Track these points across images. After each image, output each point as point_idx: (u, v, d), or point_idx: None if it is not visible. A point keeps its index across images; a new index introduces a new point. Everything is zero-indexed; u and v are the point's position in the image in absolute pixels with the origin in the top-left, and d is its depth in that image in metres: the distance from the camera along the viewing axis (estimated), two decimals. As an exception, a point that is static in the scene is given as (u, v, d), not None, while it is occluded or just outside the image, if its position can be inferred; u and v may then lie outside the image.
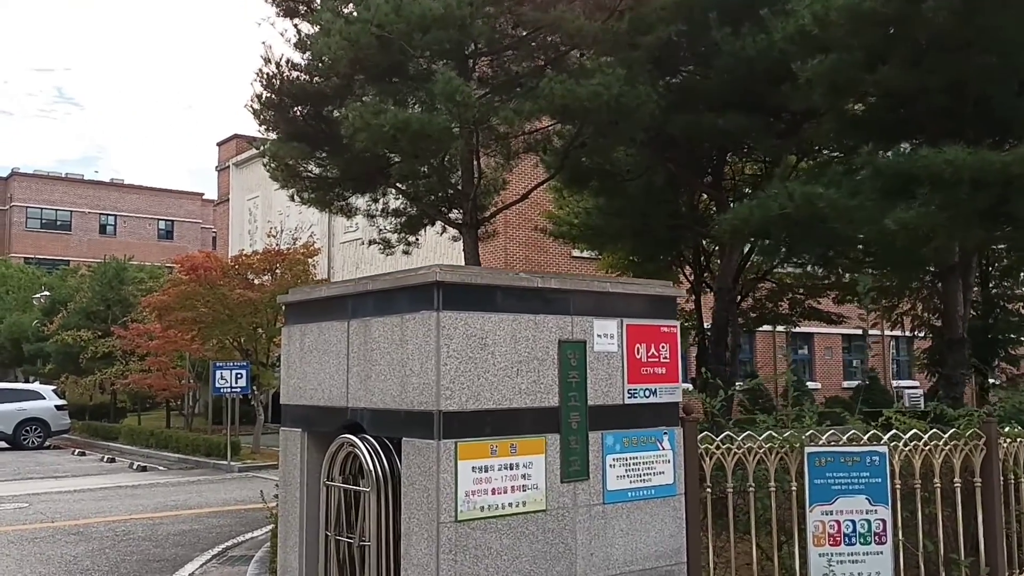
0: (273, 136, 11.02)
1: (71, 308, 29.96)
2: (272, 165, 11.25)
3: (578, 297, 5.27)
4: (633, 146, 10.01)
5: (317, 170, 11.34)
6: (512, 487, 4.87)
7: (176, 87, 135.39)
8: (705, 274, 14.52)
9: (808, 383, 30.46)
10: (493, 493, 4.80)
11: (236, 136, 40.36)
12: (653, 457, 5.48)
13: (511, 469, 4.87)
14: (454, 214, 11.60)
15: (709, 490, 5.82)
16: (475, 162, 10.89)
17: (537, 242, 21.60)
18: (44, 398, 25.48)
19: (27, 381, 37.52)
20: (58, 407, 25.56)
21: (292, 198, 12.15)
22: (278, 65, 10.54)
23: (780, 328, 19.73)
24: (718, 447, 5.83)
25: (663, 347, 5.61)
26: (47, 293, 35.17)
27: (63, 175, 67.97)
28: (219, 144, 41.73)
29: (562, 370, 5.14)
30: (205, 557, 9.25)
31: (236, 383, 18.45)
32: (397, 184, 11.40)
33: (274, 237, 21.04)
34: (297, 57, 10.62)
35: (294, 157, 10.57)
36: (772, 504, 5.84)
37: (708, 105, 9.56)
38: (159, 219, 70.56)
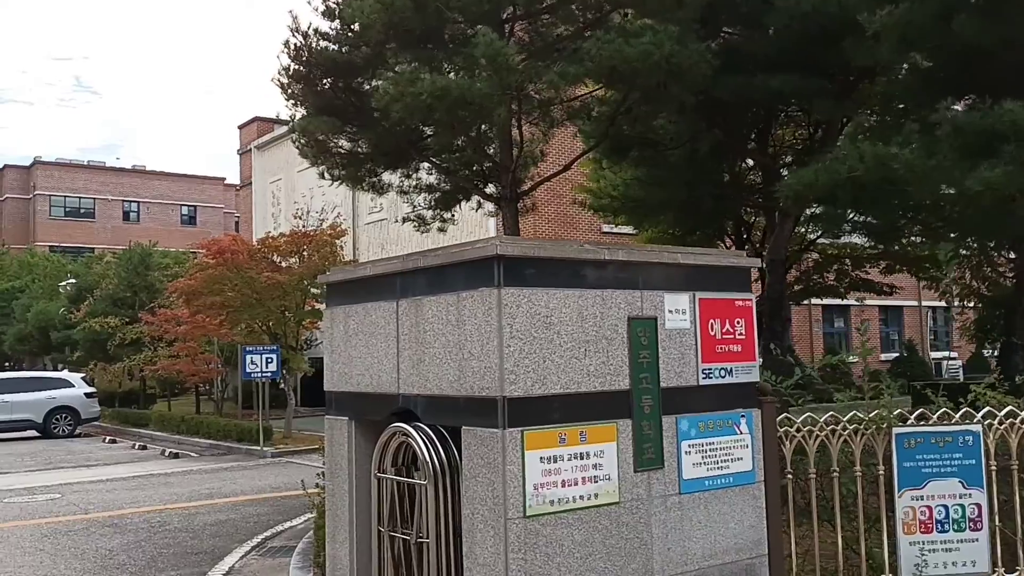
0: (301, 111, 10.61)
1: (97, 295, 29.86)
2: (301, 141, 10.84)
3: (647, 270, 4.83)
4: (682, 112, 9.50)
5: (347, 145, 10.91)
6: (583, 478, 4.46)
7: (195, 72, 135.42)
8: (746, 246, 14.02)
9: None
10: (563, 485, 4.39)
11: (257, 119, 40.07)
12: (730, 442, 5.05)
13: (581, 459, 4.46)
14: (490, 188, 11.14)
15: (790, 476, 5.39)
16: (516, 131, 10.42)
17: (566, 217, 21.13)
18: (73, 386, 25.40)
19: (55, 369, 37.64)
20: (87, 395, 25.48)
21: (322, 175, 11.73)
22: (305, 35, 10.10)
23: (852, 300, 18.96)
24: (798, 429, 5.39)
25: (738, 323, 5.16)
26: (73, 281, 35.14)
27: (85, 163, 68.12)
28: (240, 127, 41.45)
29: (632, 350, 4.71)
30: (244, 549, 8.95)
31: (266, 368, 18.18)
32: (431, 158, 10.96)
33: (300, 219, 20.68)
34: (326, 26, 10.19)
35: (324, 132, 10.14)
36: (859, 490, 5.40)
37: (758, 66, 9.04)
38: (182, 204, 70.72)
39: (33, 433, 24.66)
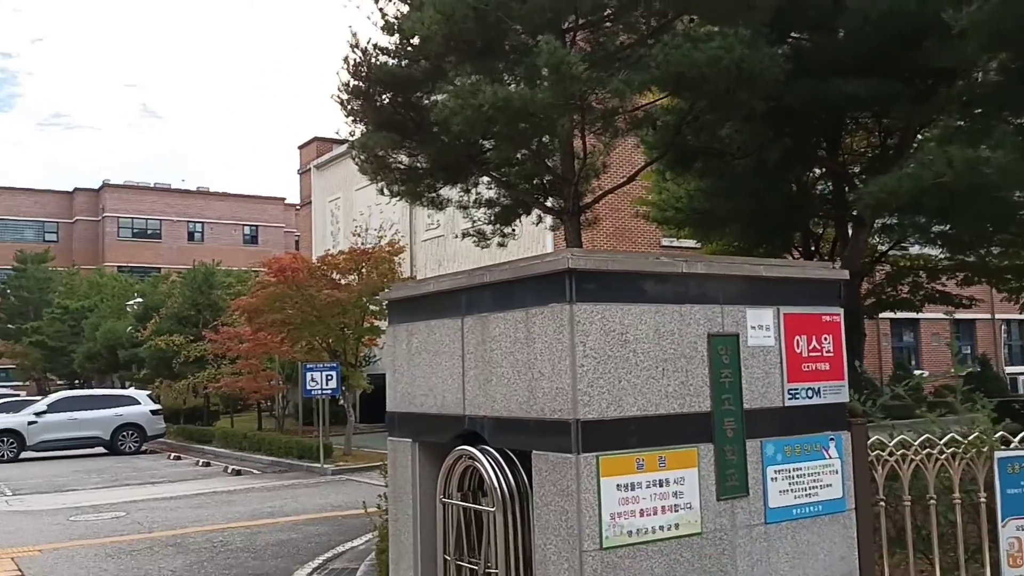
0: (360, 128, 10.53)
1: (163, 313, 30.39)
2: (361, 157, 10.76)
3: (728, 283, 4.54)
4: (749, 120, 9.16)
5: (407, 160, 10.80)
6: (663, 507, 4.17)
7: (256, 95, 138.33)
8: (814, 259, 13.54)
9: (916, 371, 28.88)
10: (641, 515, 4.11)
11: (316, 139, 40.58)
12: (819, 467, 4.72)
13: (660, 486, 4.17)
14: (550, 202, 10.91)
15: (882, 503, 5.02)
16: (581, 142, 10.18)
17: (625, 231, 20.80)
18: (140, 403, 25.81)
19: (123, 386, 38.40)
20: (153, 412, 25.87)
21: (381, 191, 11.64)
22: (365, 51, 10.02)
23: (942, 315, 18.08)
24: (891, 453, 5.03)
25: (825, 339, 4.83)
26: (140, 300, 35.85)
27: (152, 185, 69.72)
28: (300, 147, 42.01)
29: (713, 369, 4.42)
30: (306, 571, 8.81)
31: (326, 385, 18.17)
32: (491, 172, 10.78)
33: (359, 236, 20.72)
34: (385, 41, 10.11)
35: (384, 147, 10.03)
36: (958, 519, 5.01)
37: (829, 71, 8.67)
38: (244, 224, 71.94)
39: (101, 450, 25.09)
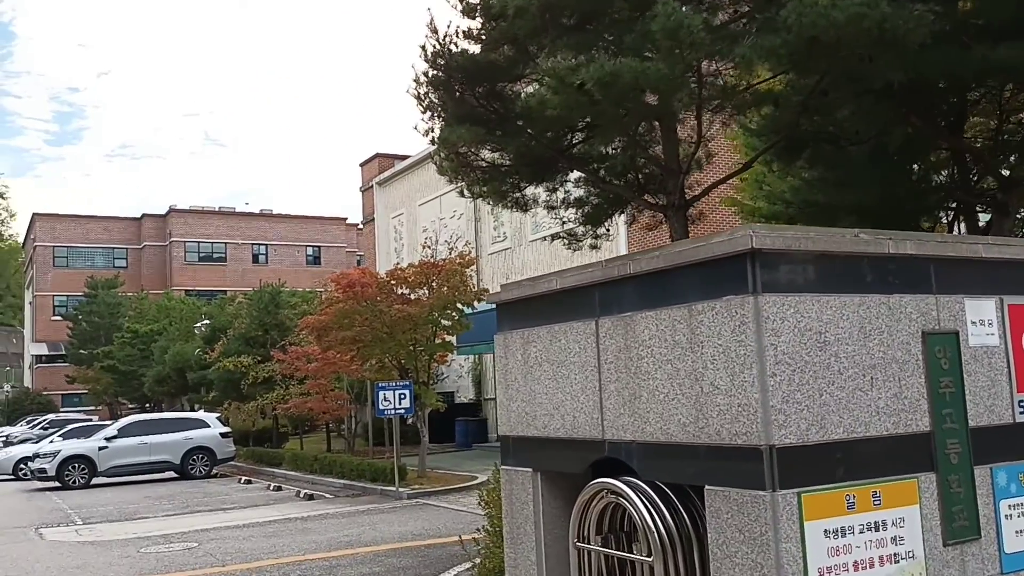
0: (438, 124, 9.71)
1: (230, 335, 30.07)
2: (440, 155, 9.96)
3: (942, 266, 3.58)
4: (878, 98, 8.10)
5: (490, 157, 9.96)
6: (880, 557, 3.22)
7: (315, 116, 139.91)
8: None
9: None
10: (855, 568, 3.16)
11: (378, 155, 40.22)
12: (1063, 500, 3.70)
13: (876, 530, 3.22)
14: (647, 197, 9.94)
15: None
16: (685, 130, 9.23)
17: (722, 226, 19.63)
18: (209, 426, 25.41)
19: (192, 409, 38.34)
20: (223, 434, 25.44)
21: (462, 192, 10.83)
22: (443, 39, 9.21)
23: None
24: None
25: (1060, 336, 3.82)
26: (207, 321, 35.74)
27: (216, 208, 70.50)
28: (361, 165, 41.71)
29: (931, 376, 3.45)
30: (393, 611, 7.96)
31: (399, 404, 17.41)
32: (582, 167, 9.85)
33: (429, 247, 19.99)
34: (466, 25, 9.29)
35: (466, 142, 9.22)
36: None
37: (971, 36, 7.61)
38: (307, 245, 72.30)
39: (171, 474, 24.75)
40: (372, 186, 39.79)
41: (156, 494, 20.52)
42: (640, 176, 10.17)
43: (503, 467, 4.64)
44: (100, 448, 23.81)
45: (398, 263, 31.61)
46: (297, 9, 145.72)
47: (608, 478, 3.80)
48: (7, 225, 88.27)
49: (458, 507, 15.24)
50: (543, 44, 8.24)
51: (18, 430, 40.13)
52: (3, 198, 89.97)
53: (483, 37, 9.10)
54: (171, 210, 67.70)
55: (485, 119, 9.31)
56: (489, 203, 11.27)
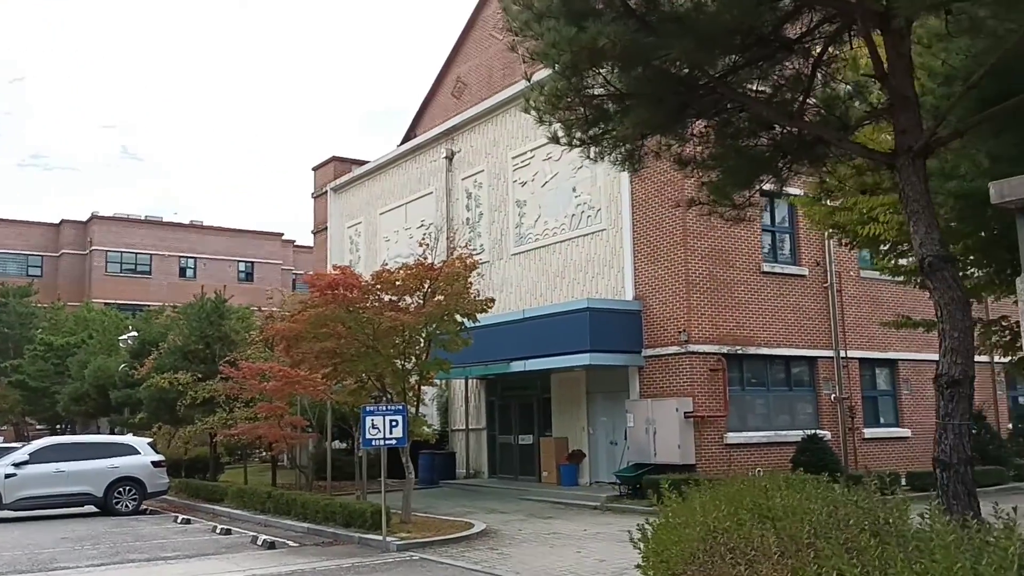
0: (551, 24, 6.75)
1: (164, 348, 26.27)
2: (540, 88, 6.94)
3: None
4: None
5: (600, 92, 7.09)
6: None
7: (238, 129, 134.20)
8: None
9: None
10: None
11: (334, 159, 37.02)
12: None
13: None
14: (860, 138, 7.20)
15: None
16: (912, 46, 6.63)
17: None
18: (139, 452, 21.66)
19: (112, 431, 34.07)
20: (155, 463, 21.71)
21: (556, 139, 7.92)
22: None
23: None
24: None
25: None
26: (135, 333, 31.75)
27: (143, 217, 65.94)
28: (315, 169, 38.38)
29: None
30: None
31: (390, 432, 14.28)
32: (751, 100, 6.99)
33: (426, 245, 16.90)
34: None
35: (611, 39, 6.18)
36: None
37: None
38: (239, 260, 68.43)
39: (91, 508, 20.94)
40: (326, 191, 36.50)
41: (75, 534, 16.82)
42: (836, 114, 7.43)
43: None
44: (7, 476, 19.95)
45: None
46: (220, 25, 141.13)
47: None
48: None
49: (470, 565, 12.17)
50: None
51: (-94, 452, 35.19)
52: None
53: None
54: (93, 216, 62.91)
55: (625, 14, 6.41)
56: (591, 155, 8.23)
